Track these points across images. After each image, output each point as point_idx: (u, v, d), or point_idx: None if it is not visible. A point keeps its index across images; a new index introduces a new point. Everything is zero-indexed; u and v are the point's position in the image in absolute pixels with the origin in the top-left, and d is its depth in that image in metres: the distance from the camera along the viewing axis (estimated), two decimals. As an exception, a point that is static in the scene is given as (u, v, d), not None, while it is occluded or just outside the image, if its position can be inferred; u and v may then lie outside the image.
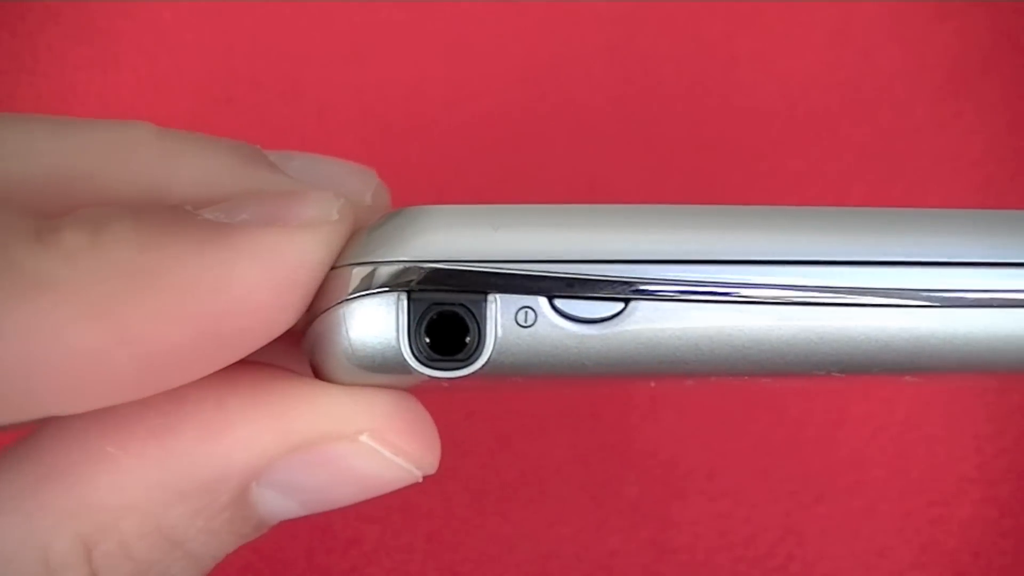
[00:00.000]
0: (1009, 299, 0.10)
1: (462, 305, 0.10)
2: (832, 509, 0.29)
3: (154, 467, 0.10)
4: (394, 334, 0.10)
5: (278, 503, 0.11)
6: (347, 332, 0.10)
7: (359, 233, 0.10)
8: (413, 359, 0.10)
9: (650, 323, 0.09)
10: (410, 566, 0.29)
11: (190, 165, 0.11)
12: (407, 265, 0.09)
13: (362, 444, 0.11)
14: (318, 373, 0.10)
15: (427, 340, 0.10)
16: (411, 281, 0.09)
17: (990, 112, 0.37)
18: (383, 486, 0.12)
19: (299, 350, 0.11)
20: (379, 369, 0.10)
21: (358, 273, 0.10)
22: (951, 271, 0.09)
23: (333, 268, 0.10)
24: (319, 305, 0.10)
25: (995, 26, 0.40)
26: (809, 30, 0.39)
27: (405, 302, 0.09)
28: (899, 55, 0.39)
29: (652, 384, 0.12)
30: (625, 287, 0.09)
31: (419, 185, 0.35)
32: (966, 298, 0.09)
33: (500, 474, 0.30)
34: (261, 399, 0.10)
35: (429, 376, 0.10)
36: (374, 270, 0.09)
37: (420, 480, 0.12)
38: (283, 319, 0.10)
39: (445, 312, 0.10)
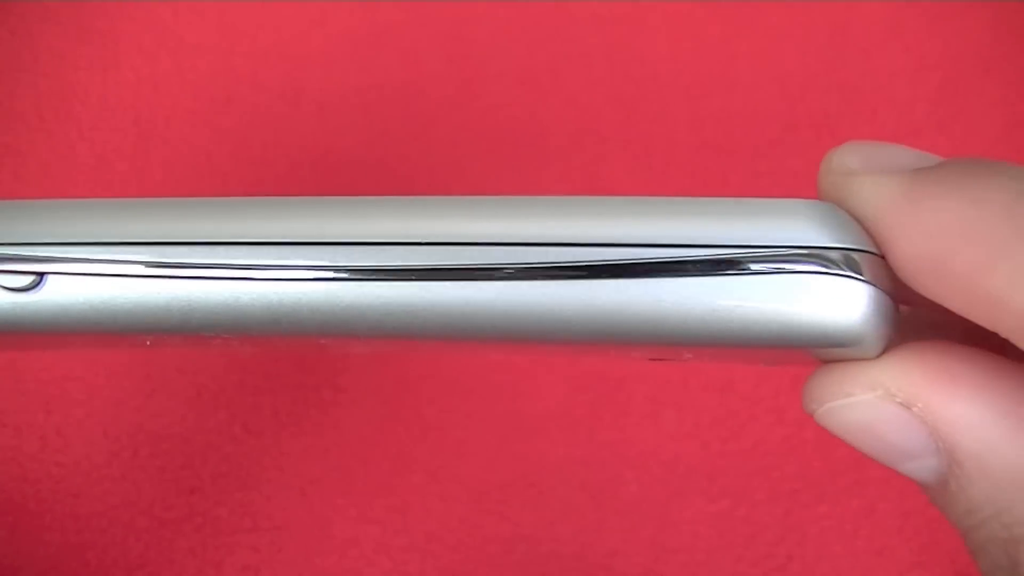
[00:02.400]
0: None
1: None
2: (832, 509, 0.29)
3: None
4: None
5: None
6: None
7: None
8: None
9: (58, 292, 0.12)
10: (410, 566, 0.29)
11: None
12: None
13: None
14: None
15: None
16: None
17: (990, 112, 0.37)
18: None
19: None
20: None
21: None
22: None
23: None
24: None
25: (994, 26, 0.40)
26: (809, 30, 0.39)
27: None
28: (899, 55, 0.39)
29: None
30: (33, 263, 0.12)
31: (419, 184, 0.35)
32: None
33: (500, 474, 0.30)
34: None
35: None
36: None
37: None
38: None
39: None
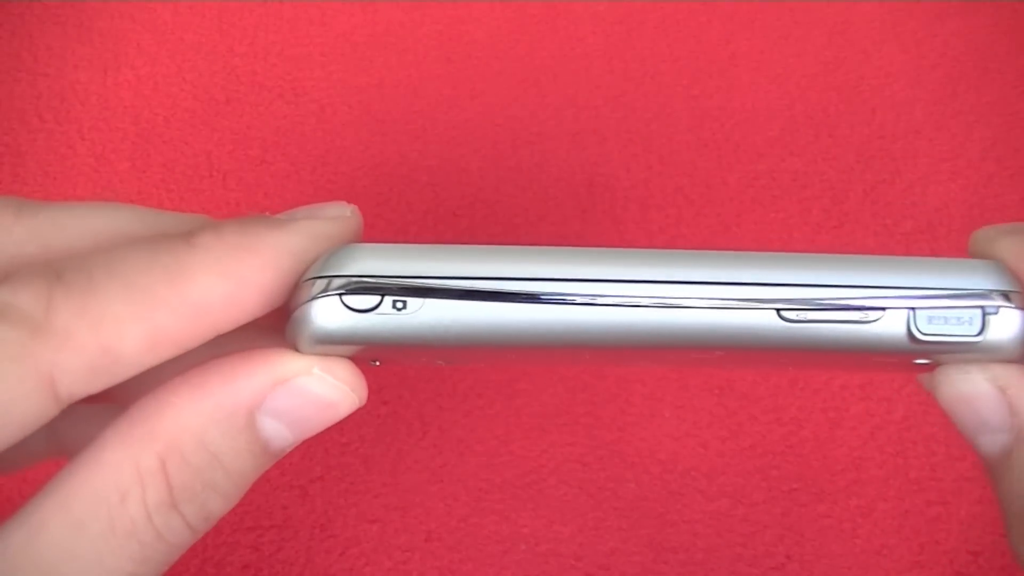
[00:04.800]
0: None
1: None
2: (831, 508, 0.29)
3: (198, 405, 0.15)
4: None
5: (273, 427, 0.16)
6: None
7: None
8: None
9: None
10: (410, 566, 0.29)
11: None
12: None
13: (316, 374, 0.16)
14: (293, 346, 0.16)
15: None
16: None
17: (990, 112, 0.37)
18: (335, 407, 0.16)
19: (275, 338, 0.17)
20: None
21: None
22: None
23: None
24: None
25: (995, 26, 0.40)
26: (809, 30, 0.39)
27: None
28: (899, 55, 0.39)
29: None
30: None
31: (419, 184, 0.35)
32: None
33: (500, 474, 0.30)
34: (259, 359, 0.16)
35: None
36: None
37: (357, 404, 0.17)
38: (253, 310, 0.16)
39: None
